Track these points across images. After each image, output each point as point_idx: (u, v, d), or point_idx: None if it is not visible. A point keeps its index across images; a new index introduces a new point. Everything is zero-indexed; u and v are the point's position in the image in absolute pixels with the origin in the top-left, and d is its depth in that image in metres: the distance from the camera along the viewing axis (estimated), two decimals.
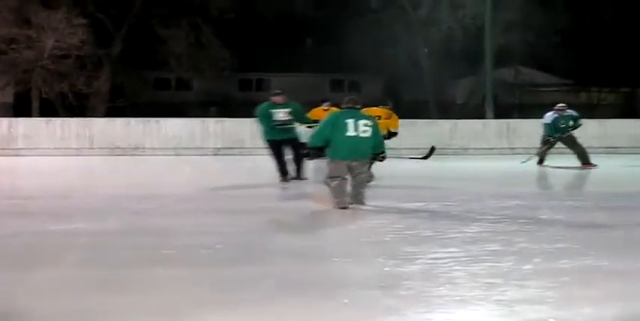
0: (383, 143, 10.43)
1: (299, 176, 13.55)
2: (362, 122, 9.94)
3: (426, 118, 27.83)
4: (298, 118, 13.82)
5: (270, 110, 13.62)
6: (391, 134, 14.88)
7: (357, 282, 5.76)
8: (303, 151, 12.53)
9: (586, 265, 6.37)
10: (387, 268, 6.16)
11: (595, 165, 17.00)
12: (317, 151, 10.45)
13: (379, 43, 37.48)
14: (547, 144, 17.71)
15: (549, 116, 17.88)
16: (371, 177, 10.23)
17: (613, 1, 35.54)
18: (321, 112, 15.90)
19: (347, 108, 10.26)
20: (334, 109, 13.86)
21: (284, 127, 13.49)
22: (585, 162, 17.13)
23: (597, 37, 37.43)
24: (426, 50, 39.40)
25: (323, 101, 17.61)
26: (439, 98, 40.83)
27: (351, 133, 9.82)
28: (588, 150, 17.43)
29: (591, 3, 34.76)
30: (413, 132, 21.15)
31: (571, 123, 17.54)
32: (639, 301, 5.31)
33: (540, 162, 17.55)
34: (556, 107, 17.85)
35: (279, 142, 13.54)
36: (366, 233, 8.13)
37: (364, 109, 15.10)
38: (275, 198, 12.07)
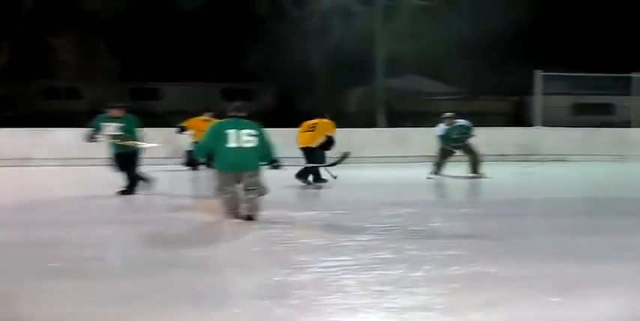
0: (273, 151, 10.21)
1: (127, 191, 12.94)
2: (245, 132, 9.67)
3: None
4: (130, 133, 13.10)
5: (102, 123, 13.13)
6: (329, 143, 14.85)
7: (248, 292, 5.76)
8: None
9: (475, 271, 6.47)
10: (279, 278, 6.16)
11: (483, 175, 17.14)
12: (198, 161, 10.31)
13: (272, 52, 37.52)
14: (443, 155, 17.75)
15: (441, 128, 18.00)
16: (263, 188, 9.99)
17: (504, 12, 36.24)
18: (200, 123, 15.78)
19: (230, 116, 9.96)
20: (215, 120, 13.53)
21: (112, 141, 12.99)
22: (474, 171, 17.30)
23: (488, 47, 38.17)
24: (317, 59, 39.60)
25: (206, 111, 17.52)
26: (332, 107, 41.02)
27: (232, 144, 9.59)
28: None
29: (482, 14, 35.43)
30: None
31: (463, 133, 17.57)
32: (526, 307, 5.41)
33: (436, 173, 17.52)
34: (444, 116, 17.98)
35: (117, 155, 12.99)
36: (258, 243, 8.12)
37: (309, 121, 15.26)
38: (166, 209, 11.89)
